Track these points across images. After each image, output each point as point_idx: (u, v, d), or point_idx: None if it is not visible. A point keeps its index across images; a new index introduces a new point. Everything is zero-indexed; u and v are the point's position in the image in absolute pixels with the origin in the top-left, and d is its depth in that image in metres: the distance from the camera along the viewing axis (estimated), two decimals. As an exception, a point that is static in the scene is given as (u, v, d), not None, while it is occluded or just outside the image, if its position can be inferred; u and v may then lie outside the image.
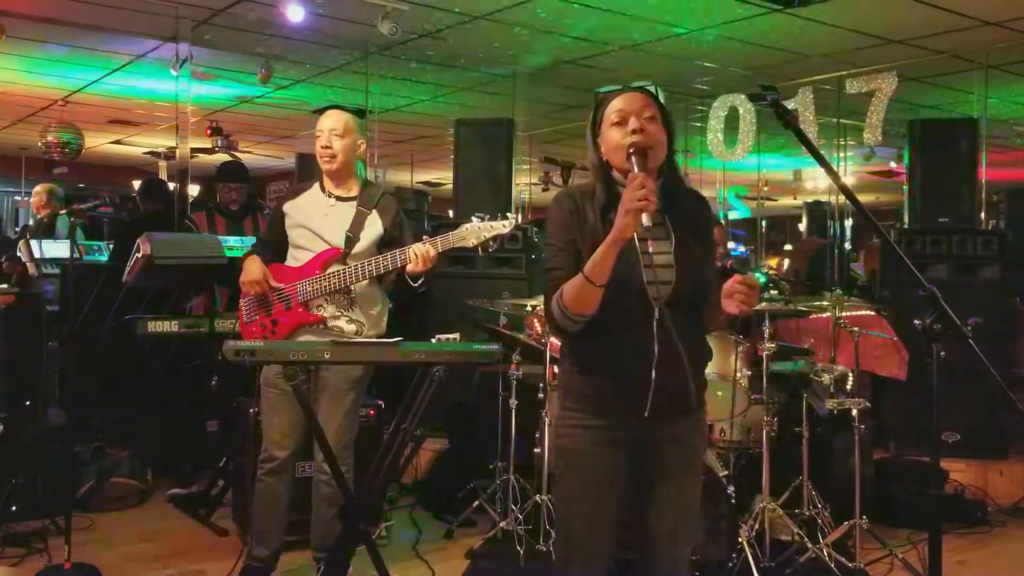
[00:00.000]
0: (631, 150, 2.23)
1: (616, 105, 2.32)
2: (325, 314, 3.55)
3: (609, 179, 2.35)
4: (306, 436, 3.64)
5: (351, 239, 3.56)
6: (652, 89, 2.38)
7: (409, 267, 3.35)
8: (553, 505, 3.93)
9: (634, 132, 2.26)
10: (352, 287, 3.54)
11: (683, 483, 2.38)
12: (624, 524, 2.39)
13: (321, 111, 3.69)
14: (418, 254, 3.33)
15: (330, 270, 3.52)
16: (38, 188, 7.56)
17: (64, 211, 4.29)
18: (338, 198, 3.64)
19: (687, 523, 2.42)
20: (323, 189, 3.67)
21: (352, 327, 3.57)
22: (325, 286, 3.50)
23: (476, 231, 3.35)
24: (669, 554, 2.39)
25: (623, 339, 2.27)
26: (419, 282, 3.43)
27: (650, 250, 2.28)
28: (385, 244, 3.58)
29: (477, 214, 3.40)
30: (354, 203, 3.62)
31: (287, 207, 3.68)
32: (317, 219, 3.59)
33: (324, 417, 3.47)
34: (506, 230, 3.37)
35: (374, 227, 3.60)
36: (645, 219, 2.11)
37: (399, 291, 3.61)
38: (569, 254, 2.31)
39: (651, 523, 2.37)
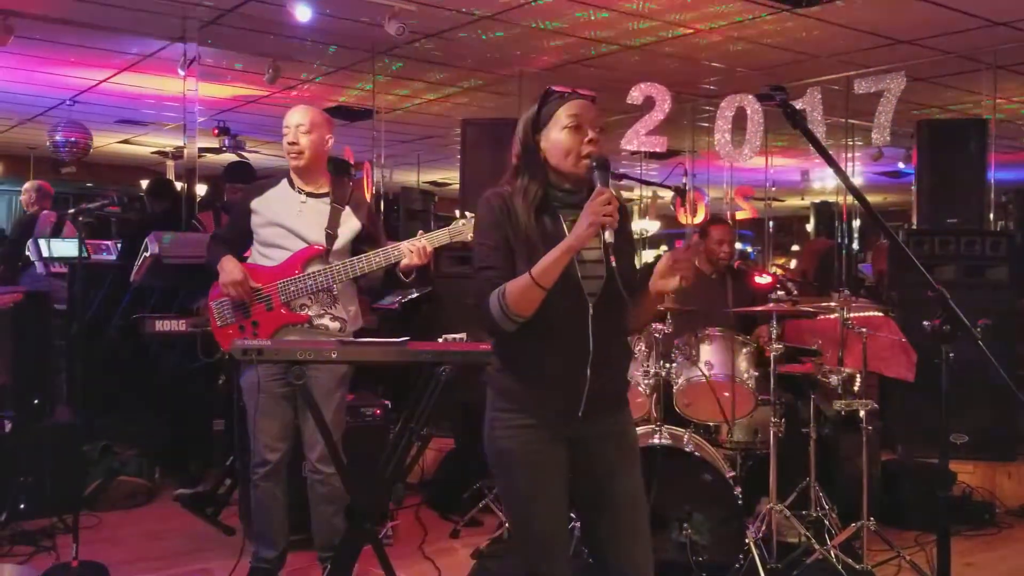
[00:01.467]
0: (594, 164, 2.26)
1: (571, 110, 2.31)
2: (311, 313, 3.50)
3: (544, 178, 2.34)
4: (296, 437, 3.61)
5: (330, 236, 3.51)
6: (594, 96, 2.39)
7: (404, 262, 3.34)
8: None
9: (591, 142, 2.29)
10: (336, 285, 3.51)
11: (631, 476, 2.38)
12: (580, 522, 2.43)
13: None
14: (413, 249, 3.32)
15: (311, 269, 3.47)
16: (27, 185, 7.55)
17: (71, 210, 4.31)
18: (309, 194, 3.59)
19: (643, 515, 2.41)
20: (292, 186, 3.61)
21: (336, 324, 3.54)
22: (310, 285, 3.45)
23: (471, 225, 3.34)
24: (633, 548, 2.36)
25: (556, 338, 2.28)
26: (411, 277, 3.42)
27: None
28: (362, 240, 3.55)
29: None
30: (327, 199, 3.58)
31: (255, 204, 3.59)
32: (291, 216, 3.53)
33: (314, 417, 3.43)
34: None
35: (350, 224, 3.57)
36: (608, 234, 2.17)
37: (386, 287, 3.58)
38: (503, 253, 2.30)
39: (608, 519, 2.36)
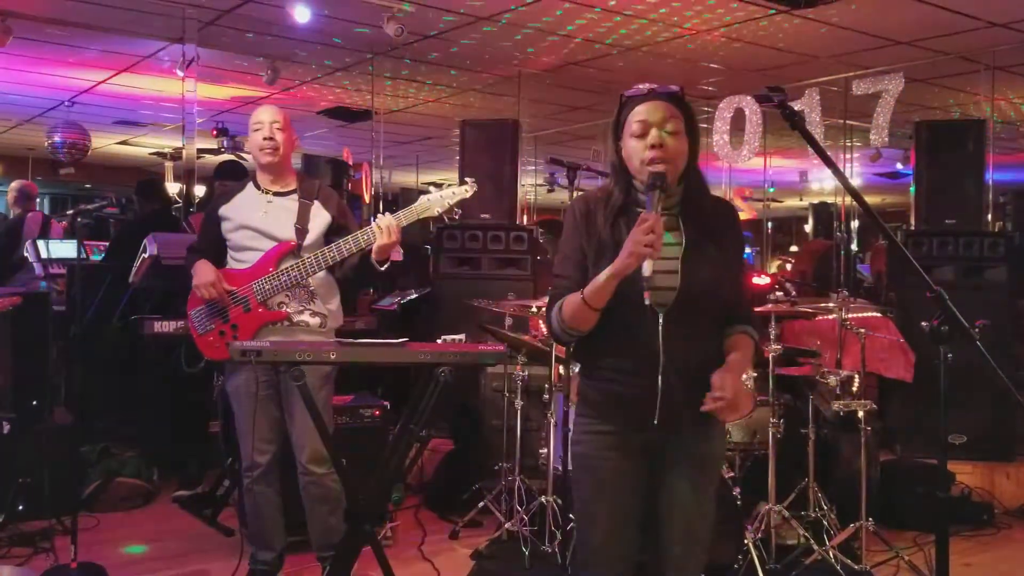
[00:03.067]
0: (651, 182, 2.17)
1: (638, 115, 2.24)
2: (289, 310, 3.47)
3: (628, 184, 2.31)
4: (284, 436, 3.60)
5: (300, 231, 3.50)
6: (677, 91, 2.29)
7: (378, 241, 3.30)
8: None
9: (653, 147, 2.21)
10: (310, 280, 3.48)
11: (696, 496, 2.33)
12: (640, 528, 2.38)
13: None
14: (382, 227, 3.28)
15: (284, 265, 3.45)
16: (12, 184, 7.52)
17: (70, 211, 4.32)
18: (276, 193, 3.57)
19: (701, 530, 2.37)
20: (258, 187, 3.59)
21: (316, 320, 3.52)
22: (284, 281, 3.42)
23: (439, 199, 3.36)
24: (680, 560, 2.36)
25: (628, 346, 2.24)
26: (385, 266, 3.39)
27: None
28: (333, 233, 3.53)
29: (435, 185, 3.42)
30: (295, 196, 3.57)
31: (223, 211, 3.57)
32: (258, 217, 3.51)
33: (299, 416, 3.41)
34: (468, 194, 3.38)
35: (320, 217, 3.55)
36: (646, 268, 2.09)
37: (360, 275, 3.55)
38: (575, 263, 2.30)
39: (663, 529, 2.35)
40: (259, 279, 3.45)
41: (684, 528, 2.34)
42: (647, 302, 2.15)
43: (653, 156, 2.20)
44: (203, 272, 3.47)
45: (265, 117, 3.54)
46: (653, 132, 2.22)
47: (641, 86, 2.29)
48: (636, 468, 2.32)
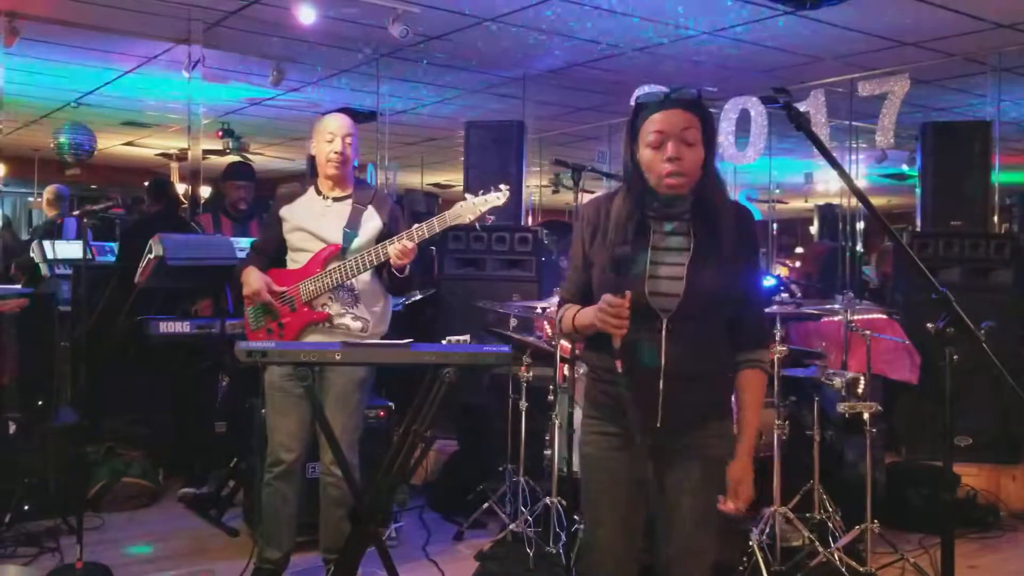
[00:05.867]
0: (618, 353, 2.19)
1: (655, 124, 2.21)
2: (331, 311, 3.55)
3: (642, 192, 2.29)
4: (312, 438, 3.64)
5: (349, 235, 3.55)
6: (695, 96, 2.26)
7: (392, 261, 3.37)
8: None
9: (670, 160, 2.20)
10: (354, 283, 3.54)
11: (699, 496, 2.33)
12: (646, 529, 2.39)
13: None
14: (393, 253, 3.35)
15: (330, 267, 3.52)
16: (47, 189, 7.64)
17: (76, 212, 4.33)
18: (334, 199, 3.65)
19: (705, 531, 2.37)
20: (319, 192, 3.67)
21: (358, 324, 3.57)
22: (327, 283, 3.50)
23: (471, 207, 3.37)
24: (685, 562, 2.36)
25: (631, 350, 2.24)
26: (404, 273, 3.45)
27: (660, 261, 2.27)
28: (384, 239, 3.56)
29: (469, 193, 3.43)
30: (349, 201, 3.63)
31: (283, 212, 3.68)
32: (314, 220, 3.60)
33: (329, 419, 3.44)
34: (501, 201, 3.38)
35: (372, 223, 3.61)
36: (615, 343, 2.16)
37: (393, 287, 3.61)
38: (581, 273, 2.35)
39: (667, 531, 2.35)
40: (305, 280, 3.53)
41: (688, 530, 2.34)
42: (619, 370, 2.19)
43: (670, 169, 2.20)
44: (250, 280, 3.58)
45: (339, 130, 3.59)
46: (671, 145, 2.20)
47: (656, 89, 2.29)
48: (642, 469, 2.32)
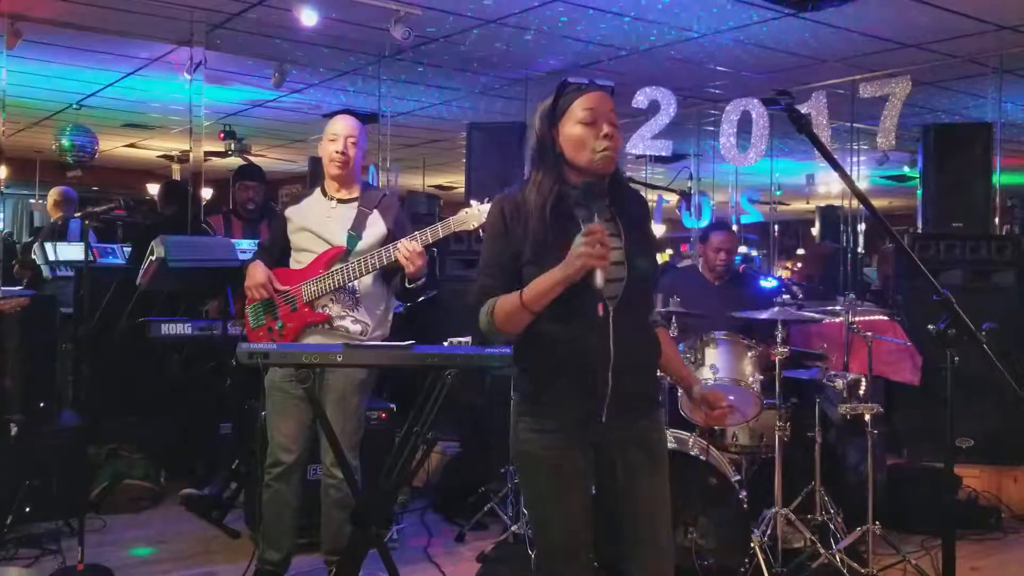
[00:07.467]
0: (589, 191, 2.18)
1: (586, 103, 2.25)
2: (331, 313, 3.55)
3: (560, 172, 2.28)
4: (313, 440, 3.64)
5: (353, 238, 3.56)
6: (612, 87, 2.36)
7: (405, 267, 3.35)
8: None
9: (606, 136, 2.22)
10: (357, 286, 3.55)
11: (653, 482, 2.33)
12: (600, 531, 2.36)
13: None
14: (402, 255, 3.33)
15: (333, 269, 3.53)
16: (52, 191, 7.65)
17: (78, 214, 4.34)
18: (340, 200, 3.66)
19: (664, 522, 2.36)
20: (325, 193, 3.69)
21: (357, 327, 3.57)
22: (329, 284, 3.51)
23: (476, 214, 3.34)
24: (653, 546, 2.33)
25: (575, 342, 2.21)
26: (418, 283, 3.43)
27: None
28: (389, 243, 3.57)
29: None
30: (355, 204, 3.64)
31: (289, 212, 3.71)
32: (319, 221, 3.61)
33: (330, 420, 3.45)
34: None
35: (377, 226, 3.61)
36: (599, 278, 2.06)
37: (404, 295, 3.61)
38: (503, 268, 2.26)
39: (627, 526, 2.32)
40: (308, 280, 3.54)
41: (649, 514, 2.32)
42: (600, 313, 2.15)
43: (607, 144, 2.22)
44: (253, 274, 3.61)
45: (342, 130, 3.61)
46: (605, 124, 2.24)
47: (580, 79, 2.31)
48: (587, 463, 2.30)
